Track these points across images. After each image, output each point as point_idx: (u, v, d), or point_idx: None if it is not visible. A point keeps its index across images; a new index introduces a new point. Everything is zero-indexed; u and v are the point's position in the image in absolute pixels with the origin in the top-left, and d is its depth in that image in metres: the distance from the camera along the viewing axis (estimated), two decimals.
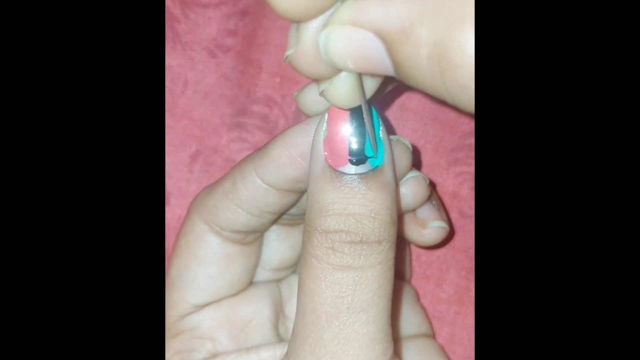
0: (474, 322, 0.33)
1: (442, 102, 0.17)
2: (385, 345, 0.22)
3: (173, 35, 0.32)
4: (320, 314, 0.22)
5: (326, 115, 0.23)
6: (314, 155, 0.23)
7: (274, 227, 0.28)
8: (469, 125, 0.32)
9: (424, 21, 0.16)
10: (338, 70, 0.20)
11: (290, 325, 0.26)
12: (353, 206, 0.22)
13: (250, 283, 0.28)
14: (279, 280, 0.29)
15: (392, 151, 0.23)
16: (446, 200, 0.32)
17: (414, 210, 0.27)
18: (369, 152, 0.22)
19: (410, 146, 0.25)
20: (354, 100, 0.21)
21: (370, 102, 0.22)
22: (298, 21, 0.19)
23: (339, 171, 0.22)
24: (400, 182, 0.25)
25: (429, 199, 0.27)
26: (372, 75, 0.21)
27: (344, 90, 0.21)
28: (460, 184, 0.32)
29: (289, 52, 0.20)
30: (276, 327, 0.28)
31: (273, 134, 0.32)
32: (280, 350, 0.26)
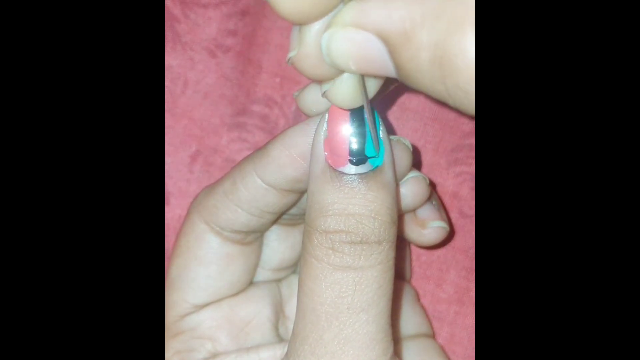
0: (474, 322, 0.33)
1: (443, 103, 0.18)
2: (386, 346, 0.22)
3: (173, 35, 0.32)
4: (320, 314, 0.22)
5: (326, 115, 0.23)
6: (314, 155, 0.23)
7: (274, 227, 0.28)
8: (469, 125, 0.32)
9: (426, 24, 0.16)
10: (340, 71, 0.20)
11: (290, 325, 0.26)
12: (353, 206, 0.22)
13: (251, 283, 0.28)
14: (279, 280, 0.29)
15: (392, 151, 0.23)
16: (446, 200, 0.32)
17: (414, 210, 0.27)
18: (369, 152, 0.22)
19: (410, 146, 0.25)
20: (357, 100, 0.21)
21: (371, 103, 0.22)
22: (301, 23, 0.19)
23: (339, 171, 0.22)
24: (400, 182, 0.25)
25: (429, 199, 0.27)
26: (374, 76, 0.21)
27: (346, 90, 0.21)
28: (460, 184, 0.32)
29: (291, 54, 0.20)
30: (276, 327, 0.28)
31: (273, 134, 0.32)
32: (280, 350, 0.26)
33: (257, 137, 0.32)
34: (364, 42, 0.18)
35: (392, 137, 0.24)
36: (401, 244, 0.31)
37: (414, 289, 0.32)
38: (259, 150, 0.25)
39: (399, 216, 0.27)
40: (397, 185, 0.25)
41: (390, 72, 0.18)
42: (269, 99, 0.32)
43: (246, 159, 0.26)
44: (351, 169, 0.22)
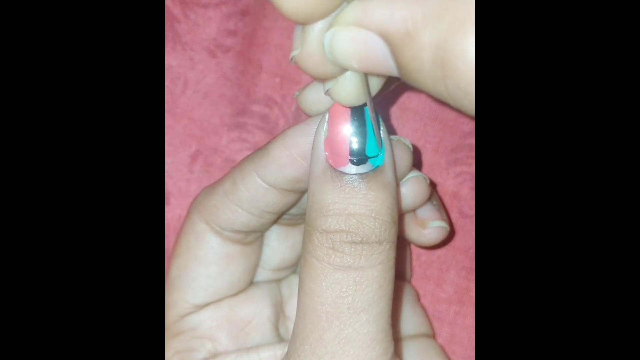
0: (474, 322, 0.33)
1: (444, 103, 0.18)
2: (386, 346, 0.22)
3: (173, 35, 0.32)
4: (320, 314, 0.22)
5: (327, 115, 0.23)
6: (314, 155, 0.23)
7: (275, 227, 0.28)
8: (469, 125, 0.32)
9: (428, 24, 0.16)
10: (343, 70, 0.20)
11: (291, 325, 0.26)
12: (354, 206, 0.22)
13: (251, 283, 0.28)
14: (279, 280, 0.29)
15: (392, 151, 0.23)
16: (446, 200, 0.32)
17: (414, 210, 0.27)
18: (369, 152, 0.22)
19: (410, 146, 0.25)
20: (360, 98, 0.21)
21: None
22: (304, 23, 0.19)
23: (340, 171, 0.22)
24: (400, 182, 0.25)
25: (429, 199, 0.27)
26: (377, 75, 0.21)
27: (349, 89, 0.21)
28: (460, 184, 0.32)
29: (294, 53, 0.20)
30: (276, 327, 0.28)
31: (273, 134, 0.32)
32: (280, 350, 0.26)
33: (257, 137, 0.32)
34: (367, 42, 0.18)
35: (392, 137, 0.24)
36: (401, 244, 0.31)
37: (414, 289, 0.32)
38: (259, 150, 0.25)
39: (400, 216, 0.27)
40: (397, 185, 0.25)
41: (393, 71, 0.18)
42: (269, 99, 0.32)
43: (246, 159, 0.26)
44: (352, 168, 0.22)
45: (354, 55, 0.18)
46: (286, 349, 0.24)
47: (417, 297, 0.32)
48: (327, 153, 0.22)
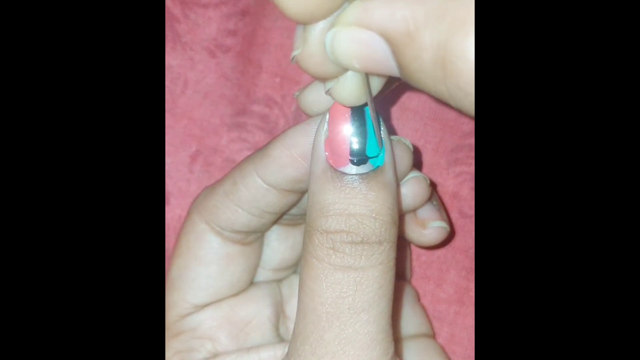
0: (474, 322, 0.33)
1: (444, 103, 0.18)
2: (386, 346, 0.22)
3: (173, 35, 0.32)
4: (321, 314, 0.22)
5: (327, 115, 0.23)
6: (314, 155, 0.23)
7: (275, 227, 0.28)
8: (469, 125, 0.32)
9: (428, 24, 0.16)
10: (344, 69, 0.20)
11: (291, 326, 0.26)
12: (354, 206, 0.22)
13: (251, 283, 0.28)
14: (279, 281, 0.29)
15: (392, 151, 0.23)
16: (446, 200, 0.32)
17: (414, 210, 0.27)
18: (370, 152, 0.22)
19: (411, 146, 0.25)
20: (360, 98, 0.21)
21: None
22: (306, 23, 0.20)
23: (340, 171, 0.22)
24: (401, 183, 0.25)
25: (429, 199, 0.27)
26: (378, 75, 0.21)
27: (350, 88, 0.21)
28: (460, 184, 0.32)
29: (295, 52, 0.20)
30: (277, 327, 0.28)
31: (273, 134, 0.32)
32: (280, 350, 0.26)
33: (257, 137, 0.32)
34: (368, 42, 0.18)
35: (392, 137, 0.24)
36: (401, 244, 0.31)
37: (414, 289, 0.32)
38: (260, 150, 0.25)
39: (400, 216, 0.27)
40: (397, 186, 0.25)
41: (394, 71, 0.18)
42: (269, 99, 0.32)
43: (247, 159, 0.26)
44: (352, 169, 0.22)
45: (355, 55, 0.18)
46: (286, 349, 0.24)
47: (417, 297, 0.32)
48: (327, 153, 0.22)
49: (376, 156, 0.22)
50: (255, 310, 0.28)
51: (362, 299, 0.22)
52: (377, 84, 0.21)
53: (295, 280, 0.29)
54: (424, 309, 0.32)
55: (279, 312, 0.28)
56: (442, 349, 0.30)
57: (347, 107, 0.22)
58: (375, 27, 0.17)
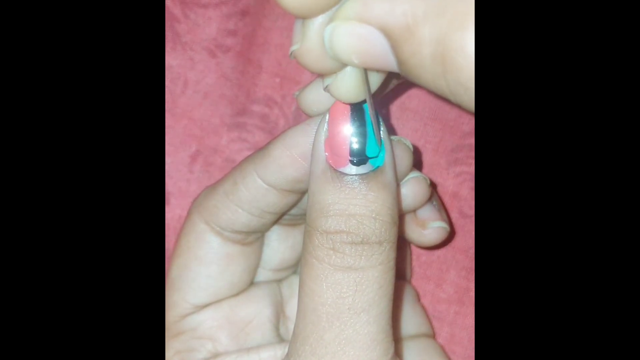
0: (474, 322, 0.33)
1: (444, 100, 0.18)
2: (386, 346, 0.22)
3: (173, 35, 0.32)
4: (321, 314, 0.22)
5: (327, 115, 0.23)
6: (314, 155, 0.23)
7: (275, 228, 0.28)
8: (469, 125, 0.32)
9: (428, 19, 0.16)
10: (343, 65, 0.20)
11: (291, 326, 0.26)
12: (354, 207, 0.22)
13: (251, 283, 0.28)
14: (279, 281, 0.29)
15: (392, 151, 0.23)
16: (446, 200, 0.32)
17: (414, 210, 0.27)
18: (369, 152, 0.22)
19: (411, 146, 0.25)
20: (359, 94, 0.21)
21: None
22: (305, 17, 0.19)
23: (340, 171, 0.22)
24: (401, 183, 0.25)
25: (429, 199, 0.27)
26: (377, 70, 0.21)
27: (349, 84, 0.21)
28: (460, 184, 0.32)
29: (294, 48, 0.20)
30: (277, 328, 0.28)
31: (273, 134, 0.32)
32: (280, 350, 0.26)
33: (257, 137, 0.32)
34: (367, 36, 0.18)
35: (392, 137, 0.24)
36: (401, 244, 0.31)
37: (414, 289, 0.32)
38: (260, 150, 0.25)
39: (400, 216, 0.27)
40: (397, 186, 0.25)
41: (393, 66, 0.18)
42: (269, 99, 0.32)
43: (247, 159, 0.26)
44: (352, 169, 0.22)
45: (354, 50, 0.18)
46: (286, 350, 0.24)
47: (417, 297, 0.32)
48: (327, 153, 0.22)
49: (376, 156, 0.22)
50: (255, 310, 0.28)
51: (362, 299, 0.22)
52: (376, 80, 0.21)
53: (295, 280, 0.29)
54: (424, 309, 0.32)
55: (279, 312, 0.28)
56: (442, 349, 0.30)
57: (346, 104, 0.22)
58: (375, 21, 0.17)
